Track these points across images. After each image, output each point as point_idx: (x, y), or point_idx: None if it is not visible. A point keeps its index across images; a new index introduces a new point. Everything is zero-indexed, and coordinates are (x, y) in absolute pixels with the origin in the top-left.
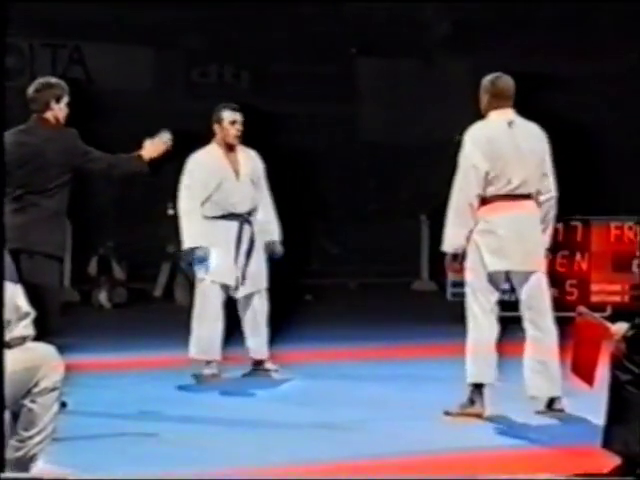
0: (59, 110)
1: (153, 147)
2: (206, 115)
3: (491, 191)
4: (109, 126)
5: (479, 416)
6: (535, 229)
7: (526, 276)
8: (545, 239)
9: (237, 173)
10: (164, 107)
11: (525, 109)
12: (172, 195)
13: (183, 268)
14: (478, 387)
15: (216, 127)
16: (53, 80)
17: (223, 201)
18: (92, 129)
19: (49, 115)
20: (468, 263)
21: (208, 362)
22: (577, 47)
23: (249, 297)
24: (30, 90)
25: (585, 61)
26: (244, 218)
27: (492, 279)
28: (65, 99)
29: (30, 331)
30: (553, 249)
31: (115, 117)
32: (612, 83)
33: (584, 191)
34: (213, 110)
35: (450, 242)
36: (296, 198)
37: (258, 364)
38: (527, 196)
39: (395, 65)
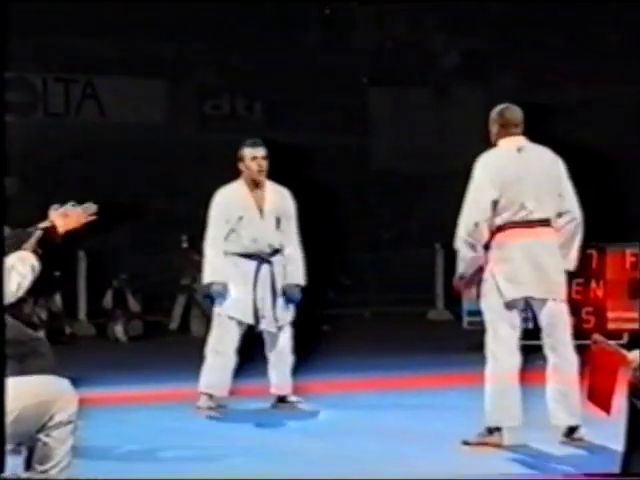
0: None
1: (74, 217)
2: (219, 147)
3: (505, 218)
4: (123, 158)
5: (498, 446)
6: (552, 256)
7: (545, 304)
8: (570, 261)
9: (261, 210)
10: (177, 140)
11: (538, 137)
12: (186, 228)
13: (198, 300)
14: None
15: (240, 165)
16: None
17: (243, 237)
18: (106, 161)
19: None
20: (484, 294)
21: (211, 396)
22: (589, 72)
23: (274, 332)
24: None
25: (599, 86)
26: (262, 258)
27: (510, 307)
28: None
29: None
30: (570, 275)
31: (128, 150)
32: (627, 108)
33: (599, 218)
34: (226, 143)
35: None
36: (309, 228)
37: (282, 399)
38: (544, 222)
39: (406, 94)
